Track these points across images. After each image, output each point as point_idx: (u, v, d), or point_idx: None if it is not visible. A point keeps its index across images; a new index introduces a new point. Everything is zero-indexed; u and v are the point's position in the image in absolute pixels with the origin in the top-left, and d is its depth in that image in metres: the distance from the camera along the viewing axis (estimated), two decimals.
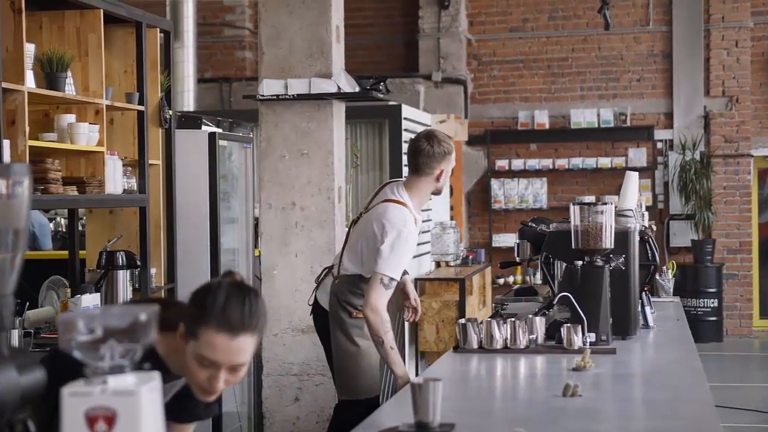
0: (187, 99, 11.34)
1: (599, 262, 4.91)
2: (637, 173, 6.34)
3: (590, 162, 13.79)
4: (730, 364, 12.52)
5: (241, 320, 2.67)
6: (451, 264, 10.91)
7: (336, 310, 5.15)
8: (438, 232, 10.50)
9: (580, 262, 4.90)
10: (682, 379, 4.11)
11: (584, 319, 4.74)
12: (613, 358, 4.54)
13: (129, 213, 6.18)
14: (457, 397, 3.87)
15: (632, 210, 5.74)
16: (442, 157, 5.09)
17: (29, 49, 5.06)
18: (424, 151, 5.10)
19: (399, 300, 5.73)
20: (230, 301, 2.68)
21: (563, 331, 4.70)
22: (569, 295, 4.82)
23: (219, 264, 6.86)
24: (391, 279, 4.93)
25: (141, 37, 6.07)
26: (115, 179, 5.69)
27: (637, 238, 5.25)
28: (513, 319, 4.79)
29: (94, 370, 1.93)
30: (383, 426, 3.20)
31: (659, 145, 13.90)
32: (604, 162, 13.71)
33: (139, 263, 5.98)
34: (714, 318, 13.38)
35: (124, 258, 5.86)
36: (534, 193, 13.94)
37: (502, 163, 14.05)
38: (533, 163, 13.97)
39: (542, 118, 13.98)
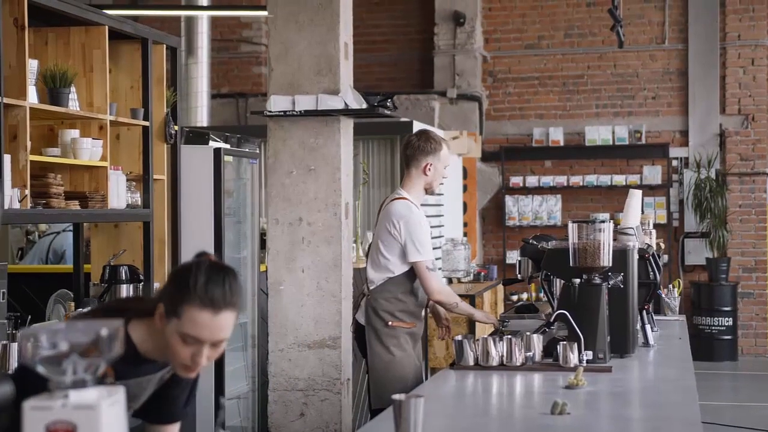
0: (201, 114, 11.41)
1: (597, 280, 4.92)
2: (640, 191, 6.35)
3: (605, 179, 13.78)
4: (744, 383, 12.47)
5: (222, 298, 2.78)
6: (463, 280, 10.93)
7: (372, 320, 5.53)
8: (449, 249, 10.51)
9: (577, 280, 4.90)
10: (672, 398, 4.11)
11: (581, 336, 4.74)
12: (608, 376, 4.54)
13: (134, 227, 6.22)
14: (446, 413, 3.88)
15: (633, 228, 5.74)
16: (428, 152, 5.59)
17: (32, 65, 5.12)
18: (412, 144, 5.65)
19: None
20: (211, 279, 2.78)
21: (559, 348, 4.71)
22: (566, 312, 4.83)
23: None
24: (432, 261, 5.47)
25: (147, 53, 6.12)
26: (119, 194, 5.73)
27: (636, 256, 5.25)
28: (509, 337, 4.80)
29: (56, 385, 1.96)
30: None
31: (674, 162, 13.88)
32: (619, 179, 13.70)
33: (142, 277, 6.02)
34: (729, 337, 13.33)
35: (128, 272, 5.91)
36: (548, 210, 13.94)
37: (516, 180, 14.05)
38: (548, 180, 13.96)
39: (557, 135, 13.99)
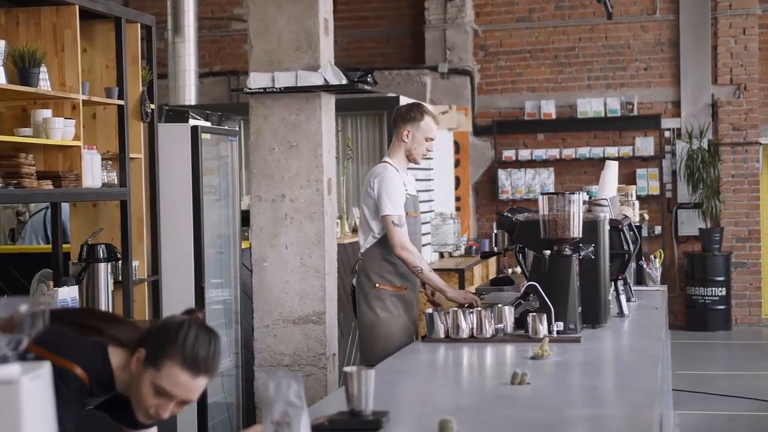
0: (189, 93, 11.39)
1: (567, 251, 4.93)
2: (616, 162, 6.36)
3: (597, 151, 13.78)
4: (737, 352, 12.50)
5: (205, 362, 2.84)
6: (454, 255, 10.95)
7: (362, 282, 5.76)
8: (438, 223, 10.52)
9: (548, 252, 4.92)
10: (635, 367, 4.13)
11: (551, 308, 4.76)
12: (576, 346, 4.57)
13: (112, 207, 6.23)
14: (406, 385, 3.91)
15: (607, 199, 5.76)
16: (408, 119, 5.82)
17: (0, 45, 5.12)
18: (396, 111, 5.97)
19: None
20: (199, 341, 2.84)
21: (529, 320, 4.73)
22: (536, 284, 4.85)
23: (203, 255, 6.92)
24: (399, 216, 5.60)
25: (120, 32, 6.11)
26: (93, 173, 5.73)
27: (607, 227, 5.25)
28: (479, 309, 4.82)
29: None
30: (320, 415, 3.23)
31: (667, 133, 13.86)
32: (612, 151, 13.68)
33: (119, 256, 6.04)
34: (722, 307, 13.36)
35: (105, 251, 5.92)
36: (541, 183, 13.94)
37: (509, 154, 14.05)
38: (540, 153, 13.96)
39: (549, 108, 13.98)
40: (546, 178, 13.96)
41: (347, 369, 3.11)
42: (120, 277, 6.14)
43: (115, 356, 2.93)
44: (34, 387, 1.98)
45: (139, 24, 6.43)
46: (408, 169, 5.96)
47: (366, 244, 5.80)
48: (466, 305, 5.43)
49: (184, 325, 2.86)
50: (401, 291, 5.78)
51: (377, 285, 5.74)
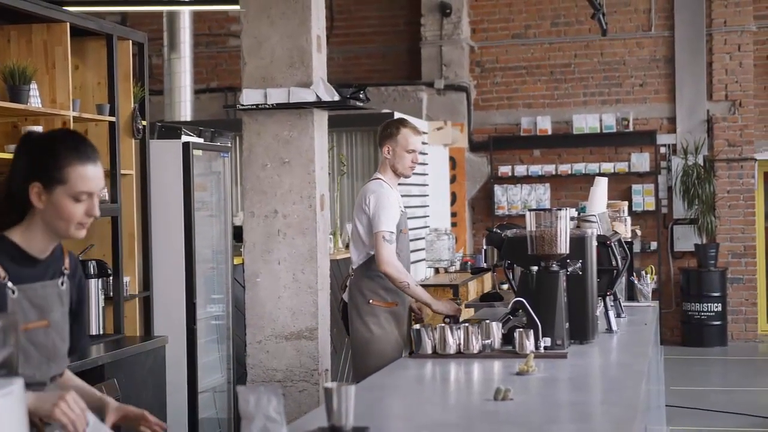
0: (184, 109, 11.42)
1: (555, 267, 4.95)
2: (606, 179, 6.38)
3: (593, 167, 13.79)
4: (733, 368, 12.49)
5: (93, 151, 3.06)
6: (449, 270, 10.96)
7: (355, 298, 5.82)
8: (432, 239, 10.54)
9: (535, 268, 4.94)
10: (619, 383, 4.14)
11: (538, 323, 4.78)
12: (562, 362, 4.57)
13: (104, 222, 6.25)
14: (392, 400, 3.92)
15: (596, 215, 5.77)
16: (386, 136, 5.96)
17: None
18: (378, 131, 6.10)
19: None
20: (75, 139, 3.06)
21: (516, 335, 4.74)
22: (523, 300, 4.86)
23: (194, 271, 6.94)
24: (390, 233, 5.67)
25: (112, 49, 6.14)
26: None
27: (595, 243, 5.26)
28: (467, 325, 4.83)
29: None
30: (301, 431, 3.25)
31: (662, 149, 13.89)
32: (607, 167, 13.71)
33: (110, 272, 6.05)
34: (718, 322, 13.37)
35: (96, 267, 5.94)
36: (537, 199, 13.96)
37: (505, 170, 14.08)
38: (536, 169, 13.99)
39: (545, 124, 14.01)
40: (542, 194, 13.98)
41: (327, 385, 3.13)
42: (111, 293, 6.16)
43: (15, 234, 3.04)
44: (6, 404, 2.00)
45: (131, 41, 6.47)
46: (398, 184, 6.00)
47: (359, 260, 5.84)
48: (452, 316, 5.49)
49: (54, 140, 3.02)
50: (393, 307, 5.82)
51: (371, 301, 5.80)
